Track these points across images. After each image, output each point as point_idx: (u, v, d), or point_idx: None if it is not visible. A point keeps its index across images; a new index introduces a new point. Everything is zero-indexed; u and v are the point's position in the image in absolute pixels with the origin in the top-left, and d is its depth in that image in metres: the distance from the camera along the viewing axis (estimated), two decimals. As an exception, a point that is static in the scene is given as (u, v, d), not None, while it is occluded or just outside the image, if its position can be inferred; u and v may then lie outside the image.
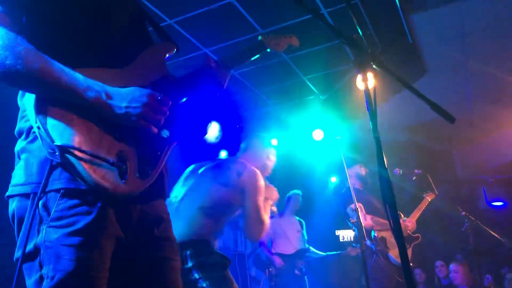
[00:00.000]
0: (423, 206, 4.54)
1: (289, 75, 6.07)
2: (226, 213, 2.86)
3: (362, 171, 4.55)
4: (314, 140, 6.84)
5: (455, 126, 7.23)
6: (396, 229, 1.62)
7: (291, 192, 6.19)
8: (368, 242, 4.18)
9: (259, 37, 1.96)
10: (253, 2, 4.38)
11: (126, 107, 1.29)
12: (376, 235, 4.15)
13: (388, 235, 4.26)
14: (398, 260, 4.17)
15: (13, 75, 1.18)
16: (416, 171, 4.53)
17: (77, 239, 1.21)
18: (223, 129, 5.97)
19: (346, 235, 7.76)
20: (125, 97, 1.30)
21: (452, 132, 7.38)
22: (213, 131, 5.73)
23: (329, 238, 7.15)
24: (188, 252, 2.67)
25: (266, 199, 2.84)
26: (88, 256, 1.22)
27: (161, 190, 1.51)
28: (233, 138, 6.11)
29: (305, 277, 5.44)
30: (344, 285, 7.01)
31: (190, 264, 2.64)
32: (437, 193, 4.44)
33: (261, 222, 2.73)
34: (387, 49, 4.99)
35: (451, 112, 1.75)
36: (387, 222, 4.16)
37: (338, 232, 7.87)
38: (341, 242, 7.88)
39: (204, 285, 2.60)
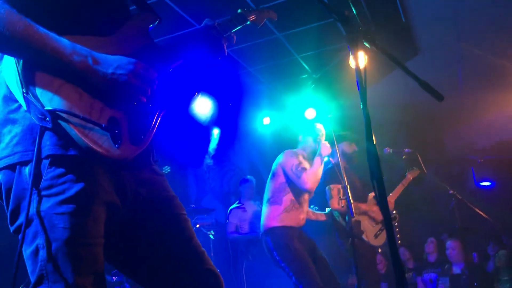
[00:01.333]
0: (405, 183, 4.58)
1: (282, 53, 6.05)
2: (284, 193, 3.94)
3: (349, 148, 4.52)
4: (307, 118, 6.86)
5: (446, 107, 7.32)
6: (383, 207, 1.65)
7: (243, 178, 6.24)
8: (343, 224, 4.24)
9: (239, 10, 2.00)
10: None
11: (112, 73, 1.28)
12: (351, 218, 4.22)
13: (363, 219, 4.33)
14: (374, 243, 4.28)
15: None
16: (406, 150, 4.57)
17: (69, 206, 1.21)
18: (215, 106, 5.97)
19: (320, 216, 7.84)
20: (112, 63, 1.29)
21: (443, 113, 7.43)
22: (205, 108, 5.73)
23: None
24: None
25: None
26: (81, 223, 1.23)
27: (150, 157, 1.54)
28: (225, 115, 6.13)
29: None
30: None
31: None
32: (425, 171, 4.50)
33: (299, 177, 3.85)
34: (380, 27, 4.98)
35: (442, 92, 1.78)
36: (362, 206, 4.24)
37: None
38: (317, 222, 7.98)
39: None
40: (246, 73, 6.44)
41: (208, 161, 7.26)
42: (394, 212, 4.46)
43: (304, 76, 6.67)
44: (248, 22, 1.97)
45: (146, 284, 1.53)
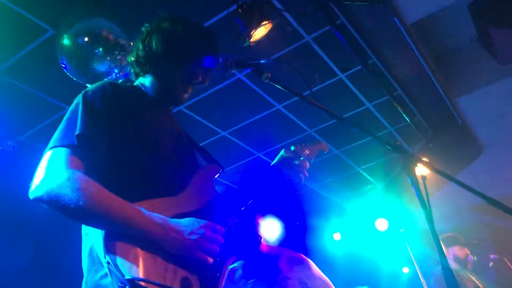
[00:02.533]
0: None
1: (344, 168, 6.14)
2: None
3: (461, 253, 4.25)
4: (378, 230, 6.64)
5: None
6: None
7: None
8: None
9: (292, 147, 2.11)
10: (299, 106, 4.65)
11: (186, 239, 1.38)
12: None
13: None
14: None
15: (86, 215, 1.28)
16: (491, 256, 4.21)
17: None
18: (285, 228, 5.98)
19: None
20: (185, 229, 1.39)
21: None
22: (274, 231, 5.76)
23: None
24: None
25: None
26: None
27: None
28: (296, 236, 6.07)
29: None
30: None
31: None
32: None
33: None
34: (437, 132, 5.00)
35: None
36: None
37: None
38: None
39: None
40: (309, 191, 6.52)
41: None
42: None
43: (368, 186, 6.64)
44: (301, 158, 2.09)
45: None
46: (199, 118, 4.55)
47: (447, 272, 1.67)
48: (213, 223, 1.47)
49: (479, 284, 4.07)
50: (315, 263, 4.12)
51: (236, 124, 4.81)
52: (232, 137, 4.99)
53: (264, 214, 1.76)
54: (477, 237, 5.56)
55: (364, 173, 6.37)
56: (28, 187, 1.33)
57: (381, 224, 6.59)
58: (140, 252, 1.31)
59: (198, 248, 1.40)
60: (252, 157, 5.40)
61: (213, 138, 4.87)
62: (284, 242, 5.89)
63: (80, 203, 1.26)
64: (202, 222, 1.44)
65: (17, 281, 4.08)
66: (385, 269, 7.33)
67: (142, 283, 1.24)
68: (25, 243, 4.13)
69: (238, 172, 5.33)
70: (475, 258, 4.14)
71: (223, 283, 1.48)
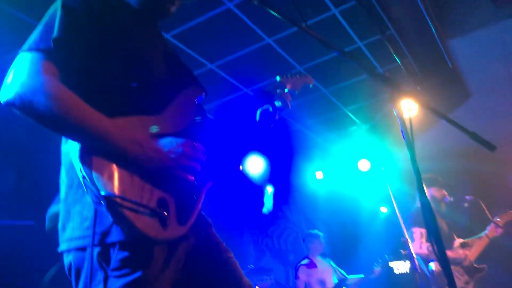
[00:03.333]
0: (504, 219, 4.19)
1: (330, 108, 6.13)
2: None
3: (438, 194, 4.36)
4: (360, 170, 6.78)
5: (508, 147, 6.96)
6: (443, 263, 1.59)
7: (310, 233, 5.95)
8: (426, 273, 3.97)
9: (277, 78, 2.12)
10: (290, 41, 4.53)
11: (164, 158, 1.35)
12: (433, 268, 3.94)
13: (451, 268, 4.00)
14: None
15: (59, 123, 1.23)
16: (467, 197, 4.34)
17: (137, 287, 1.28)
18: (267, 164, 6.05)
19: (401, 267, 7.49)
20: (163, 148, 1.36)
21: (505, 153, 7.07)
22: (258, 167, 5.82)
23: (383, 272, 6.92)
24: None
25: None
26: None
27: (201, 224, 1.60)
28: (278, 173, 6.17)
29: None
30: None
31: None
32: (491, 219, 4.21)
33: None
34: (427, 75, 4.96)
35: (501, 133, 1.73)
36: (448, 252, 3.98)
37: (392, 264, 7.61)
38: (397, 274, 7.61)
39: None
40: (295, 130, 6.54)
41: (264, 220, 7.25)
42: (482, 266, 4.11)
43: (353, 128, 6.68)
44: (286, 90, 2.08)
45: None
46: (186, 49, 4.42)
47: (426, 208, 1.70)
48: (192, 142, 1.43)
49: (447, 223, 4.24)
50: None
51: (224, 57, 4.69)
52: (220, 71, 4.88)
53: (245, 147, 1.74)
54: (455, 180, 5.72)
55: (350, 114, 6.38)
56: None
57: (364, 165, 6.72)
58: (116, 169, 1.28)
59: (178, 167, 1.38)
60: (239, 93, 5.32)
61: (199, 71, 4.75)
62: (268, 178, 5.98)
63: (54, 110, 1.21)
64: (181, 140, 1.40)
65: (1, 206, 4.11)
66: (365, 207, 7.58)
67: (118, 200, 1.22)
68: (7, 167, 4.12)
69: (223, 106, 5.27)
70: (452, 199, 4.27)
71: (200, 207, 1.48)
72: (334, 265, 5.58)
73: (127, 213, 1.23)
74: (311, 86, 2.31)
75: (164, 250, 1.37)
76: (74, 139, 1.28)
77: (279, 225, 7.90)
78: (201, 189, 1.50)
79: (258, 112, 1.99)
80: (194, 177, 1.46)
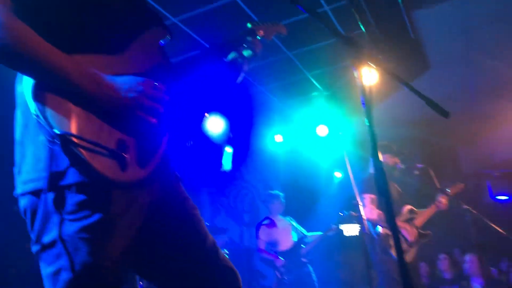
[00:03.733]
0: (453, 191, 4.42)
1: (293, 72, 6.12)
2: None
3: (391, 161, 4.48)
4: (319, 136, 6.90)
5: (459, 121, 7.27)
6: (391, 224, 1.67)
7: (270, 193, 6.05)
8: (374, 235, 4.15)
9: (249, 25, 2.01)
10: (257, 0, 4.44)
11: (123, 97, 1.28)
12: (380, 231, 4.14)
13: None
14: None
15: (8, 55, 1.15)
16: (418, 165, 4.54)
17: (93, 232, 1.24)
18: (228, 124, 6.04)
19: (350, 230, 7.81)
20: (121, 86, 1.29)
21: (457, 127, 7.39)
22: (218, 127, 5.80)
23: (334, 234, 7.20)
24: None
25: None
26: (105, 248, 1.26)
27: (167, 174, 1.55)
28: (238, 133, 6.17)
29: (309, 265, 5.51)
30: (348, 272, 7.13)
31: None
32: (438, 186, 4.44)
33: None
34: (390, 44, 5.02)
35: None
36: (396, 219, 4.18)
37: (342, 227, 7.92)
38: (346, 237, 7.95)
39: None
40: (257, 92, 6.52)
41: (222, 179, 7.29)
42: (427, 232, 4.34)
43: (315, 93, 6.73)
44: (258, 38, 1.99)
45: (165, 284, 1.55)
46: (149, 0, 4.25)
47: (379, 171, 1.76)
48: (153, 81, 1.36)
49: (398, 189, 4.44)
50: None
51: (188, 11, 4.54)
52: (183, 26, 4.74)
53: (210, 99, 1.69)
54: (408, 149, 5.94)
55: (312, 79, 6.41)
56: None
57: (322, 130, 6.84)
58: (72, 107, 1.21)
59: (138, 107, 1.32)
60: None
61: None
62: (228, 138, 5.97)
63: (5, 40, 1.13)
64: (141, 79, 1.33)
65: None
66: (322, 171, 7.77)
67: (74, 139, 1.17)
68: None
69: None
70: (403, 167, 4.45)
71: (162, 153, 1.44)
72: (294, 223, 5.74)
73: (84, 153, 1.18)
74: (282, 35, 2.21)
75: (123, 195, 1.32)
76: (26, 72, 1.21)
77: (236, 186, 7.99)
78: (163, 134, 1.44)
79: (228, 59, 1.89)
80: (157, 119, 1.38)
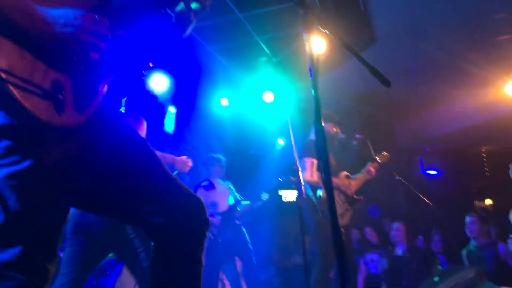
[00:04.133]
0: (381, 160, 4.69)
1: (243, 35, 6.02)
2: None
3: (332, 130, 4.58)
4: (265, 102, 6.91)
5: (398, 97, 7.54)
6: (328, 188, 1.70)
7: (212, 156, 6.09)
8: (314, 199, 4.26)
9: None
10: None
11: (58, 31, 1.18)
12: (321, 194, 4.25)
13: (335, 195, 4.37)
14: (340, 222, 4.34)
15: None
16: (357, 136, 4.70)
17: (22, 178, 1.17)
18: (172, 83, 5.88)
19: (288, 195, 8.03)
20: (57, 19, 1.18)
21: (395, 102, 7.69)
22: (162, 85, 5.64)
23: (272, 199, 7.36)
24: None
25: None
26: (34, 194, 1.20)
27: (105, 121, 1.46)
28: (182, 94, 6.04)
29: (243, 228, 5.63)
30: (283, 237, 7.37)
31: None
32: (374, 158, 4.65)
33: None
34: (340, 14, 5.05)
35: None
36: (335, 181, 4.35)
37: (281, 192, 8.13)
38: (284, 202, 8.17)
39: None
40: (204, 52, 6.37)
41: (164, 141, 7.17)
42: (359, 197, 4.55)
43: (263, 58, 6.68)
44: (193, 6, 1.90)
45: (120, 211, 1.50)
46: None
47: (320, 136, 1.78)
48: (93, 14, 1.25)
49: (334, 161, 4.59)
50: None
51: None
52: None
53: (151, 52, 1.59)
54: (348, 120, 6.12)
55: (262, 44, 6.34)
56: None
57: (268, 96, 6.85)
58: (2, 41, 1.10)
59: (76, 44, 1.21)
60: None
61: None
62: (172, 97, 5.84)
63: None
64: (79, 12, 1.22)
65: None
66: (266, 137, 7.84)
67: (2, 74, 1.07)
68: None
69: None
70: (343, 136, 4.59)
71: (101, 98, 1.35)
72: (232, 188, 5.79)
73: (14, 90, 1.08)
74: (233, 1, 2.12)
75: (58, 140, 1.23)
76: None
77: (178, 147, 7.89)
78: (105, 76, 1.35)
79: (175, 10, 1.80)
80: (98, 58, 1.29)
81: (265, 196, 5.46)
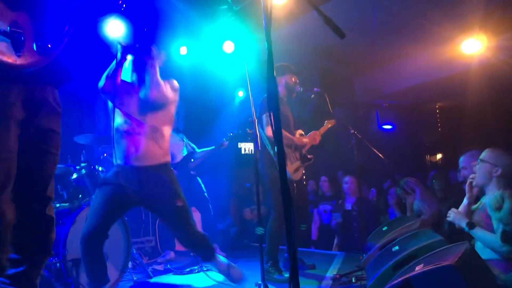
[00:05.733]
0: (322, 130, 4.80)
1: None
2: None
3: (291, 81, 4.56)
4: (225, 52, 6.77)
5: (357, 52, 7.57)
6: (277, 138, 1.72)
7: None
8: (272, 153, 4.29)
9: None
10: None
11: None
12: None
13: (290, 151, 4.44)
14: (293, 177, 4.44)
15: None
16: (315, 89, 4.71)
17: None
18: (128, 29, 5.64)
19: (248, 147, 8.10)
20: None
21: (354, 57, 7.74)
22: (117, 31, 5.39)
23: (231, 151, 7.40)
24: None
25: None
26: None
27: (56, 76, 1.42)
28: (139, 41, 5.81)
29: (198, 178, 5.67)
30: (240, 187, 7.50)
31: None
32: (330, 110, 4.70)
33: None
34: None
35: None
36: (290, 137, 4.40)
37: (240, 145, 8.19)
38: (243, 154, 8.24)
39: None
40: (163, -2, 6.10)
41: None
42: (310, 156, 4.64)
43: (224, 6, 6.48)
44: None
45: None
46: None
47: (272, 93, 1.76)
48: None
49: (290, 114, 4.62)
50: (160, 74, 4.03)
51: None
52: None
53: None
54: (308, 75, 6.13)
55: (223, -9, 6.14)
56: None
57: (228, 46, 6.71)
58: None
59: None
60: None
61: None
62: (129, 43, 5.61)
63: None
64: None
65: None
66: (225, 88, 7.75)
67: None
68: None
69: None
70: (301, 89, 4.60)
71: (65, 41, 1.29)
72: (185, 139, 5.75)
73: None
74: None
75: (15, 86, 1.20)
76: None
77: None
78: (68, 22, 1.29)
79: None
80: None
81: (225, 142, 5.51)
